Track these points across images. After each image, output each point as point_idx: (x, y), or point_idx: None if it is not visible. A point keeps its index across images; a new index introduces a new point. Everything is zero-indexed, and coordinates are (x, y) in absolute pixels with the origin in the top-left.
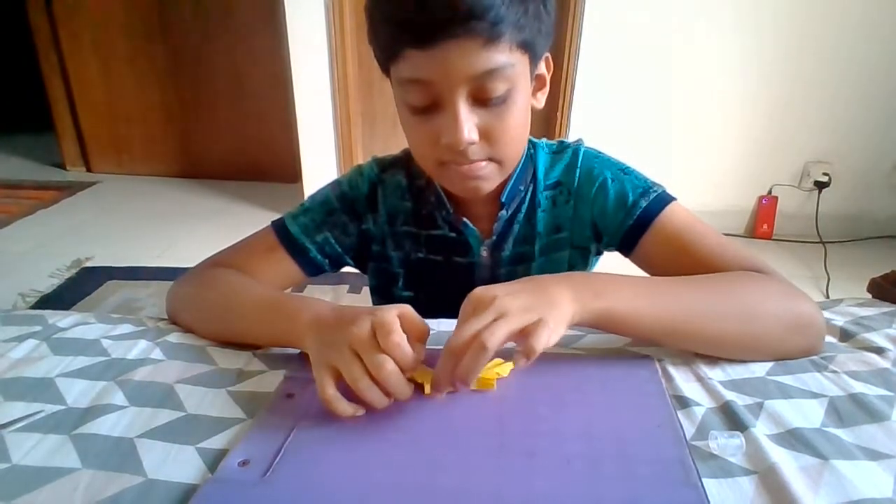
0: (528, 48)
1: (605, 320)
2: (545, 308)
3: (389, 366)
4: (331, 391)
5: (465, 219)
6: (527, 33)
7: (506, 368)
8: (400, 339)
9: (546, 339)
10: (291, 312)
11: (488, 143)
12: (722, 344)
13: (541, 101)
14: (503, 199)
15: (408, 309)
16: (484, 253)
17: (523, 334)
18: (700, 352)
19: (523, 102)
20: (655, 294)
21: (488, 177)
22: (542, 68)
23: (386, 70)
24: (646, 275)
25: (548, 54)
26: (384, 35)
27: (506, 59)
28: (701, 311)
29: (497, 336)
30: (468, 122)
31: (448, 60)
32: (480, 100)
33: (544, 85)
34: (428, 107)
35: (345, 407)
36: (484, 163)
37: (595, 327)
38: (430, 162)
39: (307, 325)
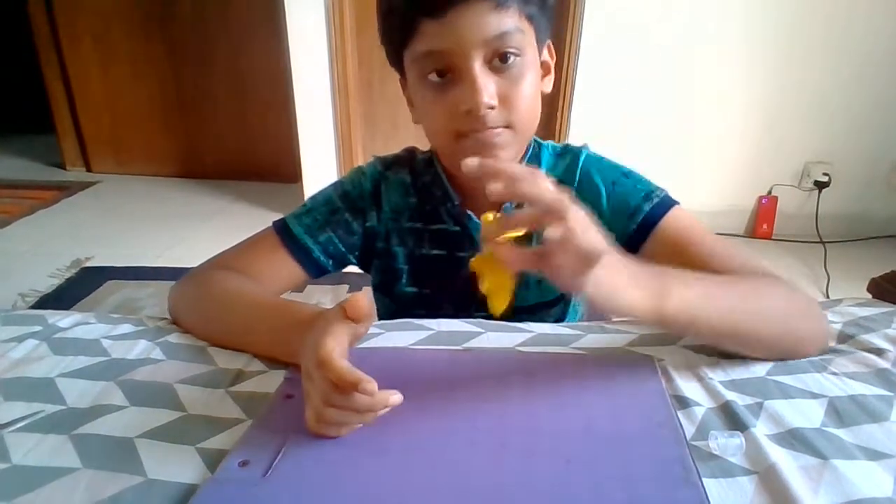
0: (533, 21)
1: (678, 318)
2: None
3: (335, 393)
4: (311, 421)
5: (469, 211)
6: (532, 8)
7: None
8: (339, 372)
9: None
10: (286, 329)
11: (505, 108)
12: (756, 343)
13: (548, 85)
14: None
15: (342, 312)
16: None
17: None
18: (734, 350)
19: (534, 74)
20: (708, 287)
21: (504, 145)
22: (545, 55)
23: (399, 60)
24: None
25: (549, 42)
26: (399, 15)
27: (515, 24)
28: (743, 308)
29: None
30: (486, 87)
31: (461, 27)
32: (494, 67)
33: (550, 71)
34: (445, 80)
35: (325, 430)
36: (500, 129)
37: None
38: (448, 137)
39: (298, 347)
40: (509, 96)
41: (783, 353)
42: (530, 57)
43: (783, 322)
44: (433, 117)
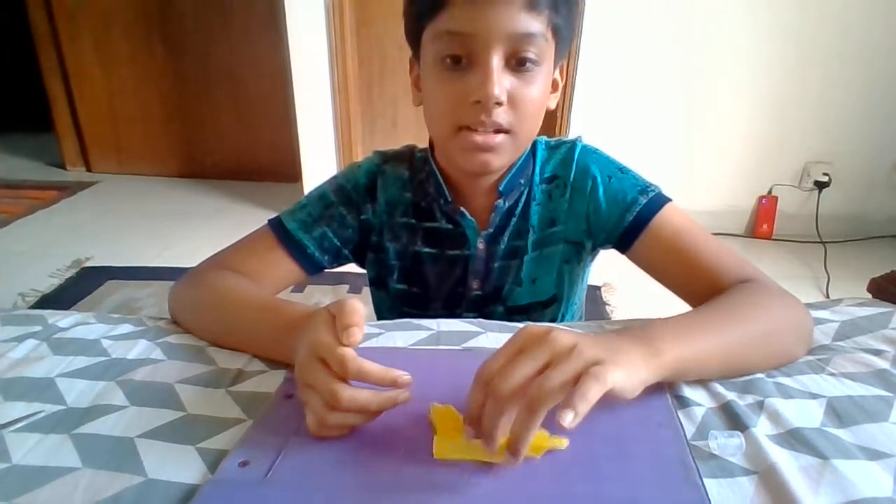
0: (557, 35)
1: (675, 373)
2: (613, 354)
3: (345, 393)
4: (313, 426)
5: (462, 209)
6: (560, 20)
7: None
8: (347, 365)
9: (601, 386)
10: (279, 330)
11: (511, 109)
12: (757, 367)
13: (553, 102)
14: (501, 189)
15: (337, 309)
16: (480, 245)
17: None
18: (735, 377)
19: (545, 86)
20: (708, 332)
21: (500, 150)
22: (556, 74)
23: (417, 37)
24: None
25: (562, 62)
26: None
27: (541, 30)
28: (744, 340)
29: (551, 384)
30: (500, 81)
31: (492, 15)
32: (510, 67)
33: (557, 89)
34: (460, 64)
35: (329, 433)
36: (500, 136)
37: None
38: (449, 127)
39: (293, 347)
40: (518, 99)
41: (772, 368)
42: (545, 69)
43: (772, 344)
44: (439, 103)
